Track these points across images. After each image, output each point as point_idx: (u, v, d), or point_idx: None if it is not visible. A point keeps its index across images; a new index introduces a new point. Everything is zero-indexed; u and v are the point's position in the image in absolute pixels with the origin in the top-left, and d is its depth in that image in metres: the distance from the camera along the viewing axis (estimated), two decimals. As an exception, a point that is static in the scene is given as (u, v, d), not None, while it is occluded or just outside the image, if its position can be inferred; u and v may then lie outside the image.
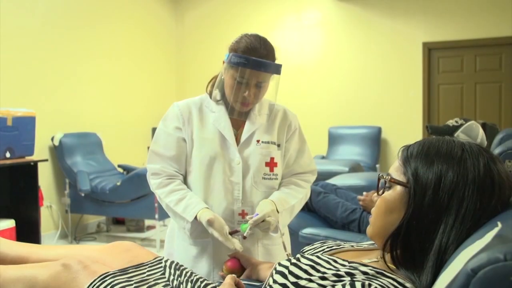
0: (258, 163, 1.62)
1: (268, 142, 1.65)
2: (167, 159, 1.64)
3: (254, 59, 1.52)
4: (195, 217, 1.53)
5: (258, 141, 1.64)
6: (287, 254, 1.36)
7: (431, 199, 0.92)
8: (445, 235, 0.89)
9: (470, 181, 0.91)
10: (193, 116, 1.66)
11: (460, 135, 2.37)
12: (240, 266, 1.45)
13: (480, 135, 2.38)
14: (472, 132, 2.37)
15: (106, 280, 1.13)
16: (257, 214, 1.49)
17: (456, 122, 2.43)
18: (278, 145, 1.68)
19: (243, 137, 1.64)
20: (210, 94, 1.68)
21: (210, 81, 1.72)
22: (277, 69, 1.58)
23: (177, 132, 1.65)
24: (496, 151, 1.85)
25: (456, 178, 0.91)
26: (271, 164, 1.64)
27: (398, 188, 0.99)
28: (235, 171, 1.62)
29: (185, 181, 1.68)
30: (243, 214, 1.61)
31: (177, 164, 1.65)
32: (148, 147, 1.76)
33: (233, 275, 1.22)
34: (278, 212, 1.57)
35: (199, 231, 1.59)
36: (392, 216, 0.98)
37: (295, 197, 1.66)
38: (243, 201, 1.61)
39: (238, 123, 1.67)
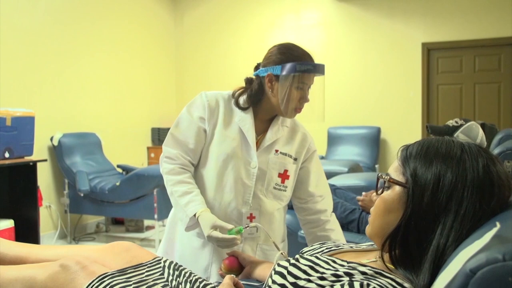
0: (272, 172, 1.63)
1: (285, 154, 1.66)
2: (184, 146, 1.63)
3: (318, 64, 1.56)
4: (194, 215, 1.53)
5: (276, 150, 1.65)
6: (281, 253, 1.35)
7: (429, 199, 0.92)
8: (443, 236, 0.89)
9: (469, 182, 0.91)
10: (220, 110, 1.64)
11: (459, 135, 2.37)
12: (239, 264, 1.45)
13: (480, 136, 2.38)
14: (471, 132, 2.37)
15: (104, 281, 1.13)
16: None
17: (456, 122, 2.42)
18: (295, 159, 1.68)
19: (264, 144, 1.64)
20: (236, 101, 1.66)
21: (237, 91, 1.67)
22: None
23: (200, 122, 1.63)
24: (495, 151, 1.85)
25: (455, 179, 0.91)
26: (283, 175, 1.65)
27: (397, 188, 0.98)
28: (250, 174, 1.62)
29: (196, 172, 1.67)
30: (251, 217, 1.62)
31: (193, 153, 1.64)
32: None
33: (232, 275, 1.22)
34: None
35: (194, 228, 1.59)
36: (391, 216, 0.98)
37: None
38: (251, 205, 1.62)
39: (260, 129, 1.67)
